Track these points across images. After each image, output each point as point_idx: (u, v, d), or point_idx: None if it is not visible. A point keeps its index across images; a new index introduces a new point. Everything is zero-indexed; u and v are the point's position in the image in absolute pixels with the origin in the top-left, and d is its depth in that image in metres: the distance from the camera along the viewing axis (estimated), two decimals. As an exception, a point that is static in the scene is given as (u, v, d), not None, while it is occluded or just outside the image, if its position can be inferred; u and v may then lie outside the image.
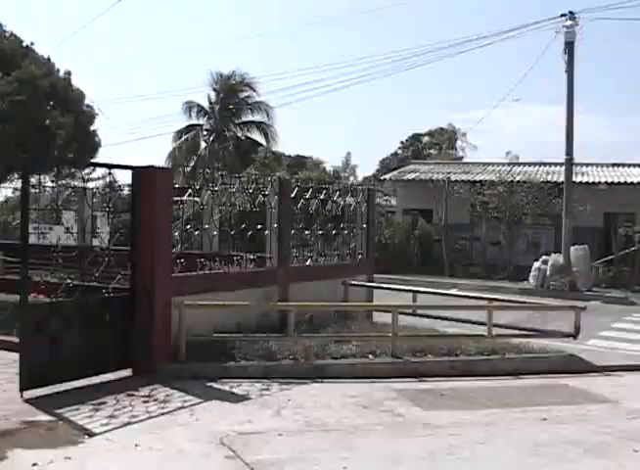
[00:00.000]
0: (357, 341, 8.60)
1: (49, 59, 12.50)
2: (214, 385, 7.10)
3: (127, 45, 78.06)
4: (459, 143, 42.16)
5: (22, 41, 12.32)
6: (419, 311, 10.34)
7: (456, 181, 24.19)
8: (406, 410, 6.52)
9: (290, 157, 36.81)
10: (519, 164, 27.75)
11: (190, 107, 37.70)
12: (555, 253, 20.52)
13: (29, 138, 11.01)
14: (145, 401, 6.39)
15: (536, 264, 20.29)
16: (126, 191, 9.24)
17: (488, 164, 27.88)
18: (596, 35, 51.22)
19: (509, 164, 28.41)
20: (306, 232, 11.37)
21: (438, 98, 75.18)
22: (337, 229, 11.85)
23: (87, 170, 14.05)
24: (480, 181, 23.55)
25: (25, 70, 11.31)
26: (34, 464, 4.76)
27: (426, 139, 47.71)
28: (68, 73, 12.64)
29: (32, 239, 11.08)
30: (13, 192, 18.34)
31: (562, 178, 21.03)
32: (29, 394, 6.35)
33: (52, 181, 13.02)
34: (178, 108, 38.12)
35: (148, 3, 78.89)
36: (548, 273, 19.68)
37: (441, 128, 44.74)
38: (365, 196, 11.95)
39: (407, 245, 23.47)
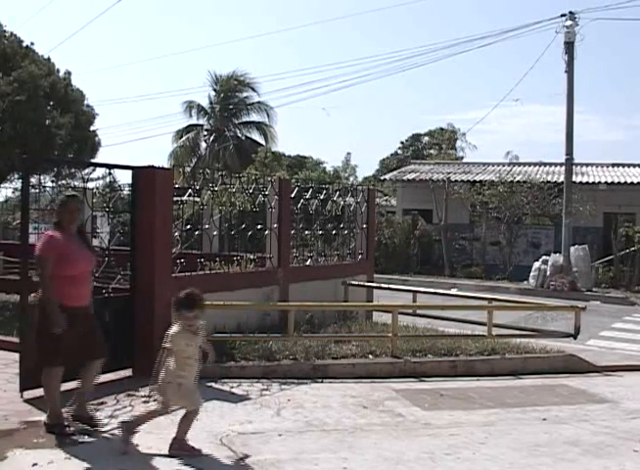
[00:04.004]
0: (357, 341, 8.61)
1: (49, 59, 12.47)
2: (214, 385, 7.10)
3: (127, 45, 78.15)
4: (459, 143, 42.09)
5: (22, 41, 12.28)
6: (419, 311, 10.35)
7: (456, 181, 24.21)
8: (406, 410, 6.53)
9: (290, 157, 36.79)
10: (519, 164, 27.77)
11: (190, 107, 37.73)
12: (555, 253, 20.55)
13: (29, 138, 10.99)
14: (145, 401, 6.38)
15: (536, 264, 20.31)
16: (126, 191, 9.23)
17: (488, 164, 27.91)
18: (596, 35, 51.33)
19: (509, 164, 28.43)
20: (306, 232, 11.38)
21: (438, 98, 75.25)
22: (337, 229, 11.85)
23: (87, 170, 14.04)
24: (481, 181, 23.57)
25: (25, 70, 11.27)
26: (34, 464, 4.76)
27: (426, 139, 47.71)
28: (68, 73, 12.60)
29: (32, 239, 11.07)
30: (13, 192, 18.34)
31: (562, 178, 21.05)
32: (29, 394, 6.33)
33: (52, 181, 12.98)
34: (178, 108, 38.27)
35: (148, 3, 78.97)
36: (548, 273, 19.70)
37: (441, 128, 44.71)
38: (365, 196, 11.95)
39: (407, 245, 23.50)
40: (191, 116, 37.92)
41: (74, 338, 5.38)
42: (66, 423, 5.49)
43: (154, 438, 5.40)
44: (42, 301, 5.42)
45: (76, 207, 5.68)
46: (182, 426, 5.20)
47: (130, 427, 5.18)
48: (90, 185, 16.46)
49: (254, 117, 38.25)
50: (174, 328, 5.28)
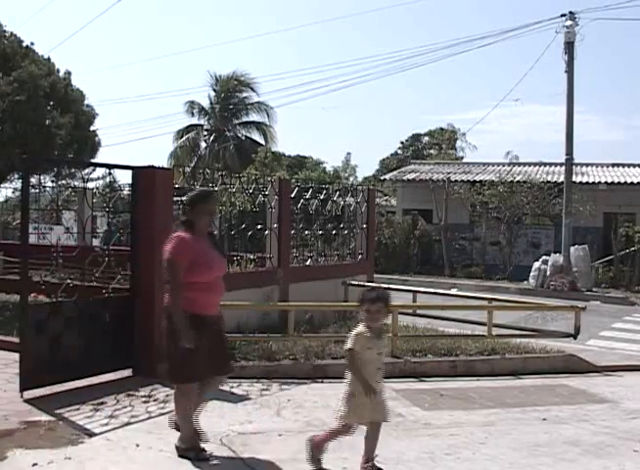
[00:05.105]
0: (357, 341, 8.59)
1: (49, 59, 12.47)
2: (214, 385, 7.09)
3: (127, 45, 78.17)
4: (459, 143, 42.12)
5: (22, 41, 12.28)
6: (419, 311, 10.35)
7: (456, 181, 24.21)
8: (406, 410, 6.53)
9: (290, 157, 36.81)
10: (519, 164, 27.77)
11: (190, 107, 37.75)
12: (555, 253, 20.53)
13: (29, 138, 10.99)
14: (145, 401, 6.38)
15: (536, 264, 20.29)
16: (126, 191, 9.23)
17: (488, 164, 27.90)
18: (596, 35, 51.36)
19: (509, 164, 28.42)
20: (306, 232, 11.38)
21: (438, 98, 75.28)
22: (337, 229, 11.86)
23: (87, 170, 14.06)
24: (481, 181, 23.57)
25: (25, 70, 11.27)
26: (34, 464, 4.76)
27: (426, 139, 47.72)
28: (68, 73, 12.60)
29: (32, 239, 11.10)
30: (13, 192, 18.37)
31: (562, 178, 21.04)
32: (29, 394, 6.34)
33: (52, 181, 12.99)
34: (179, 108, 38.55)
35: (148, 3, 79.00)
36: (548, 273, 19.69)
37: (441, 128, 44.72)
38: (365, 196, 11.95)
39: (407, 245, 23.49)
40: (193, 115, 38.01)
41: (204, 350, 4.82)
42: (201, 446, 5.03)
43: (154, 438, 5.40)
44: (169, 310, 4.86)
45: (214, 206, 4.95)
46: (366, 444, 4.81)
47: (317, 446, 4.86)
48: (90, 185, 16.53)
49: (254, 117, 38.32)
50: (358, 327, 4.88)
